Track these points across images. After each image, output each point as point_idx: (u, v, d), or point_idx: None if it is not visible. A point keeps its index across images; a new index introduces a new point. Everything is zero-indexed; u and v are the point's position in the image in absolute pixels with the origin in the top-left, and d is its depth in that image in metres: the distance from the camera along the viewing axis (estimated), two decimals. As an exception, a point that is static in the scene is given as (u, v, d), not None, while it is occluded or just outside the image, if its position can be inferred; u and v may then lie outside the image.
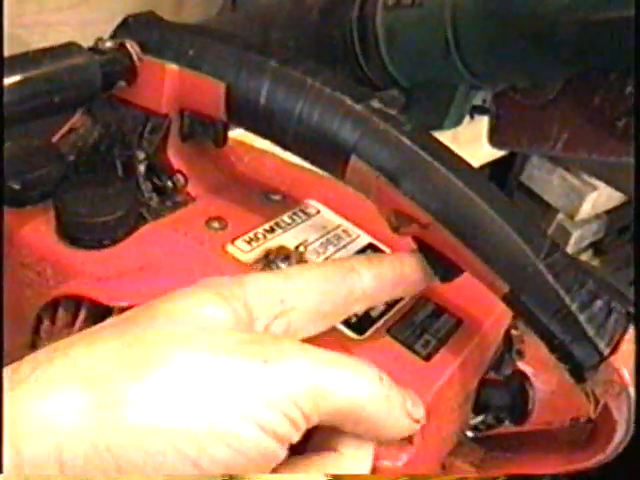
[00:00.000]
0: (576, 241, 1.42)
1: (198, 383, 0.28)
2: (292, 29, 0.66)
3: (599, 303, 0.39)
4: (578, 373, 0.40)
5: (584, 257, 1.46)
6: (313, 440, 0.34)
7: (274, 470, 0.30)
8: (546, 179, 1.36)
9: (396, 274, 0.40)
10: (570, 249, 1.43)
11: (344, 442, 0.33)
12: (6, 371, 0.28)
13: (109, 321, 0.33)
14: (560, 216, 1.40)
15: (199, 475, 0.27)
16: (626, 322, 0.39)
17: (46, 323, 0.44)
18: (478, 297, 0.45)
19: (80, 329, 0.41)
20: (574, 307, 0.39)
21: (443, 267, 0.42)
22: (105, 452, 0.26)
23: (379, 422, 0.32)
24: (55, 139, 0.53)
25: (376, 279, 0.39)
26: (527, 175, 1.37)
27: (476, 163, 1.09)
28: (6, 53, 0.96)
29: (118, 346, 0.29)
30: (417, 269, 0.41)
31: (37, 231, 0.46)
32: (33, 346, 0.45)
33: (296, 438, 0.30)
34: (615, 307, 0.39)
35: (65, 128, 0.53)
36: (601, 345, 0.38)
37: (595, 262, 1.41)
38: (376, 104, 0.42)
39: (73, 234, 0.44)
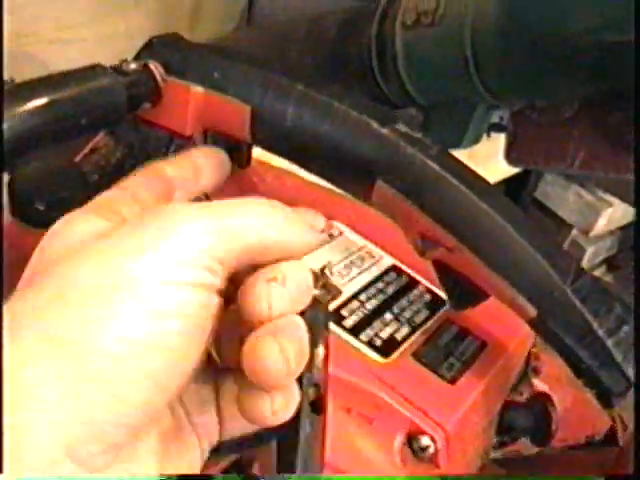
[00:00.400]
0: (590, 257, 1.42)
1: (107, 276, 0.29)
2: (310, 46, 0.66)
3: (626, 328, 0.39)
4: (606, 399, 0.40)
5: (598, 273, 1.45)
6: None
7: None
8: (561, 195, 1.36)
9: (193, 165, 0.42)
10: (584, 265, 1.42)
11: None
12: None
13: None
14: (574, 232, 1.40)
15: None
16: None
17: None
18: (502, 319, 0.45)
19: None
20: (601, 332, 0.38)
21: (468, 292, 0.42)
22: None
23: (287, 244, 0.33)
24: (77, 159, 0.53)
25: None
26: (541, 191, 1.37)
27: (492, 179, 1.08)
28: (24, 71, 0.96)
29: (37, 287, 0.30)
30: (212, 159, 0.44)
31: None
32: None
33: (220, 283, 0.31)
34: (643, 332, 0.39)
35: (87, 148, 0.53)
36: (629, 371, 0.38)
37: (608, 278, 1.40)
38: (402, 127, 0.42)
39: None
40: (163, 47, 0.49)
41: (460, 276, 0.42)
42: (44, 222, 0.48)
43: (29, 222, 0.48)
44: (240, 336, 0.32)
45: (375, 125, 0.42)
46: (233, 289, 0.32)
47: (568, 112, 0.58)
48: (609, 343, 0.38)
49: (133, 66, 0.46)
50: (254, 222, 0.32)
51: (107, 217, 0.35)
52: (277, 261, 0.33)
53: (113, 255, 0.30)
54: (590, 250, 1.39)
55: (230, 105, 0.45)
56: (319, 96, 0.43)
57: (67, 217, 0.36)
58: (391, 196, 0.41)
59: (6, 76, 0.75)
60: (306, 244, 0.35)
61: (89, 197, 0.49)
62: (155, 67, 0.46)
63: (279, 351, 0.30)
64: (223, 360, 0.35)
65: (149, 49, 0.50)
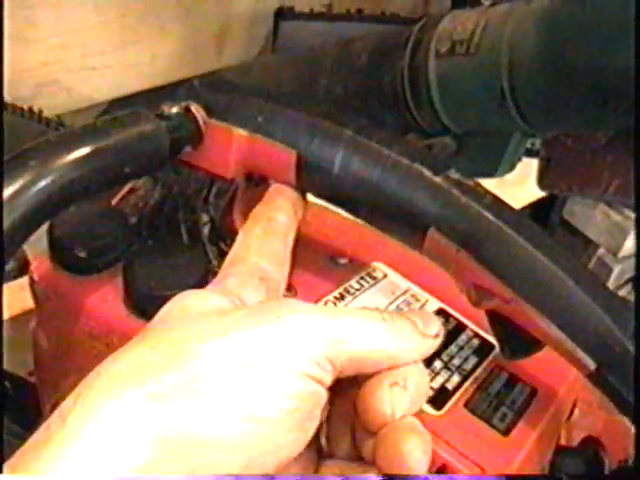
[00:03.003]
0: (617, 276, 1.40)
1: (227, 366, 0.30)
2: (340, 74, 0.65)
3: (690, 382, 0.38)
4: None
5: (623, 292, 1.44)
6: None
7: None
8: (588, 215, 1.35)
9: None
10: (610, 284, 1.41)
11: None
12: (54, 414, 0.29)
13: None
14: (601, 251, 1.38)
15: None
16: None
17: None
18: (550, 363, 0.44)
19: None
20: (666, 389, 0.37)
21: (522, 343, 0.41)
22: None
23: (396, 354, 0.34)
24: (115, 201, 0.52)
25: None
26: (568, 211, 1.36)
27: (521, 203, 1.08)
28: (49, 98, 0.97)
29: (144, 349, 0.31)
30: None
31: (105, 301, 0.45)
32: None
33: (329, 380, 0.32)
34: None
35: (125, 189, 0.53)
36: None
37: (633, 296, 1.39)
38: (454, 175, 0.41)
39: (143, 307, 0.44)
40: (205, 89, 0.48)
41: (515, 326, 0.41)
42: (85, 269, 0.47)
43: (70, 269, 0.47)
44: (352, 429, 0.35)
45: (427, 173, 0.41)
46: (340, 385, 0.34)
47: (603, 139, 0.58)
48: (674, 399, 0.37)
49: (175, 110, 0.45)
50: (355, 335, 0.33)
51: (230, 298, 0.35)
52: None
53: (237, 337, 0.31)
54: (617, 269, 1.38)
55: (275, 150, 0.44)
56: (368, 142, 0.42)
57: (189, 292, 0.36)
58: (444, 246, 0.40)
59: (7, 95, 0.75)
60: (416, 352, 0.35)
61: (129, 240, 0.49)
62: (197, 110, 0.46)
63: (422, 450, 0.32)
64: (330, 447, 0.36)
65: (190, 91, 0.49)
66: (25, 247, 0.49)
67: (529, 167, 0.65)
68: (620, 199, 0.60)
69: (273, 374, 0.30)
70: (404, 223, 0.41)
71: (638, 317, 0.39)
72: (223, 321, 0.32)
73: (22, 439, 0.54)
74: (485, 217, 0.39)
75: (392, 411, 0.33)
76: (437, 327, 0.36)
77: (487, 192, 0.41)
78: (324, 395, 0.32)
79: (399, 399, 0.33)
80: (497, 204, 0.41)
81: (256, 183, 0.47)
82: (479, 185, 0.42)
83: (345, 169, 0.42)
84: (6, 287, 0.64)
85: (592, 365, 0.39)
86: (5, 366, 0.59)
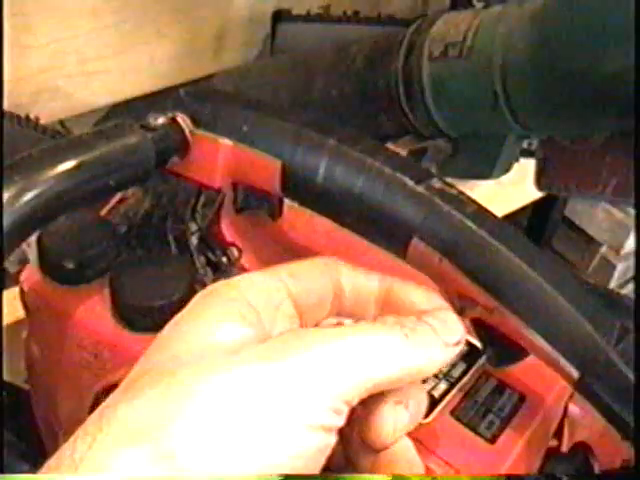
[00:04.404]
0: (620, 274, 1.40)
1: (239, 411, 0.28)
2: (336, 77, 0.66)
3: (674, 390, 0.38)
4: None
5: (626, 290, 1.44)
6: None
7: None
8: (590, 213, 1.35)
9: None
10: (614, 282, 1.41)
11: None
12: (64, 452, 0.28)
13: (139, 367, 0.33)
14: (604, 249, 1.38)
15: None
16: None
17: (104, 407, 0.43)
18: (538, 370, 0.44)
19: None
20: (649, 396, 0.37)
21: (507, 351, 0.41)
22: None
23: (418, 371, 0.32)
24: (105, 210, 0.53)
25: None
26: (570, 209, 1.36)
27: (520, 203, 1.08)
28: (47, 105, 0.97)
29: (156, 395, 0.29)
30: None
31: (93, 312, 0.46)
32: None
33: (343, 423, 0.30)
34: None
35: (115, 199, 0.53)
36: (678, 435, 0.37)
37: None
38: (437, 184, 0.41)
39: (130, 317, 0.44)
40: (191, 99, 0.48)
41: (499, 335, 0.41)
42: (73, 280, 0.48)
43: (58, 280, 0.48)
44: (345, 439, 0.33)
45: (410, 182, 0.41)
46: None
47: (600, 139, 0.58)
48: (657, 407, 0.37)
49: (161, 120, 0.45)
50: (376, 362, 0.31)
51: (241, 314, 0.33)
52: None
53: (244, 378, 0.29)
54: (620, 267, 1.38)
55: (260, 159, 0.44)
56: (352, 152, 0.42)
57: (203, 315, 0.33)
58: (427, 255, 0.40)
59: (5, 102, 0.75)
60: (436, 365, 0.33)
61: (118, 250, 0.49)
62: (183, 120, 0.46)
63: None
64: None
65: (177, 101, 0.49)
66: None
67: (529, 166, 0.65)
68: (618, 199, 0.60)
69: (280, 427, 0.28)
70: (388, 232, 0.42)
71: (637, 316, 0.39)
72: (233, 359, 0.30)
73: (16, 447, 0.55)
74: (468, 226, 0.39)
75: (394, 431, 0.32)
76: (459, 333, 0.35)
77: (470, 200, 0.41)
78: (333, 440, 0.30)
79: (401, 418, 0.32)
80: (480, 213, 0.41)
81: (240, 208, 0.48)
82: (462, 193, 0.42)
83: (329, 178, 0.42)
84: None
85: (576, 374, 0.39)
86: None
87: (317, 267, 0.38)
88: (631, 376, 0.38)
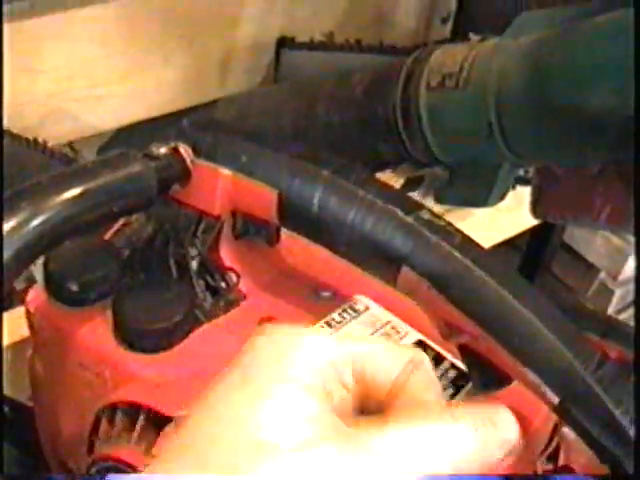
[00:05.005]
0: (618, 299, 1.42)
1: None
2: (337, 104, 0.67)
3: (650, 417, 0.39)
4: (630, 485, 0.40)
5: (625, 315, 1.45)
6: None
7: None
8: (589, 239, 1.36)
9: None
10: (612, 308, 1.42)
11: None
12: None
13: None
14: (602, 275, 1.40)
15: None
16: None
17: (105, 424, 0.45)
18: (525, 395, 0.45)
19: (140, 435, 0.43)
20: (625, 422, 0.39)
21: (493, 377, 0.43)
22: None
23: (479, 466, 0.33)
24: (109, 235, 0.54)
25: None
26: (569, 235, 1.37)
27: (519, 229, 1.09)
28: (55, 127, 0.99)
29: None
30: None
31: (95, 333, 0.47)
32: (90, 447, 0.46)
33: None
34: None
35: (119, 223, 0.55)
36: (653, 460, 0.39)
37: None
38: (426, 215, 0.43)
39: (131, 339, 0.46)
40: (193, 130, 0.50)
41: (485, 361, 0.42)
42: (77, 301, 0.49)
43: (63, 301, 0.49)
44: None
45: (400, 213, 0.42)
46: None
47: (594, 168, 0.59)
48: (632, 433, 0.39)
49: (163, 150, 0.47)
50: (448, 461, 0.31)
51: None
52: None
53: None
54: (618, 293, 1.39)
55: (258, 189, 0.46)
56: (345, 183, 0.44)
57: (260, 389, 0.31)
58: (416, 283, 0.42)
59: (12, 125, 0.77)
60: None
61: (121, 274, 0.51)
62: (185, 150, 0.48)
63: None
64: None
65: (179, 131, 0.51)
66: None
67: (526, 193, 0.66)
68: (612, 227, 0.61)
69: None
70: (379, 260, 0.43)
71: (637, 333, 0.40)
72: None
73: (20, 462, 0.56)
74: (454, 256, 0.41)
75: None
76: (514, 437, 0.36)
77: (457, 231, 0.43)
78: None
79: None
80: (466, 243, 0.42)
81: (238, 235, 0.50)
82: (450, 224, 0.43)
83: (323, 208, 0.44)
84: (7, 315, 0.66)
85: (556, 399, 0.40)
86: (5, 391, 0.61)
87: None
88: (608, 403, 0.39)
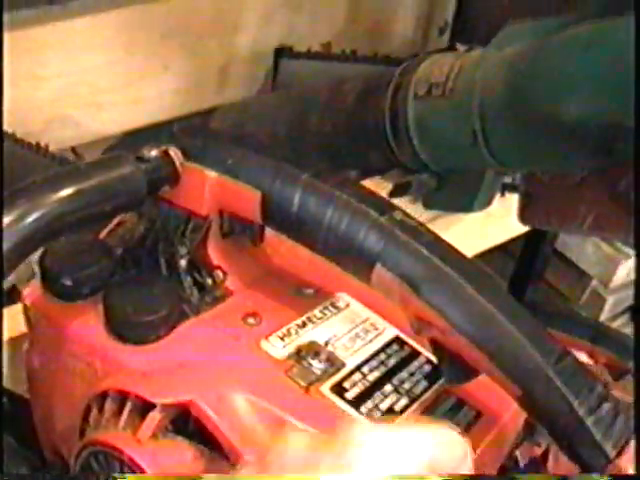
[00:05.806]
0: (611, 307, 1.43)
1: None
2: (329, 113, 0.69)
3: (606, 407, 0.42)
4: (588, 473, 0.42)
5: (618, 323, 1.47)
6: None
7: None
8: (580, 246, 1.38)
9: None
10: (605, 315, 1.44)
11: None
12: None
13: None
14: (594, 282, 1.41)
15: None
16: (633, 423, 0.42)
17: (95, 412, 0.48)
18: (496, 390, 0.47)
19: (126, 421, 0.45)
20: (582, 411, 0.41)
21: (460, 369, 0.45)
22: None
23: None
24: (103, 234, 0.57)
25: None
26: (561, 242, 1.39)
27: (510, 235, 1.12)
28: (57, 133, 1.02)
29: None
30: None
31: (87, 326, 0.50)
32: (82, 434, 0.49)
33: None
34: (621, 410, 0.42)
35: (113, 223, 0.57)
36: (607, 448, 0.41)
37: (629, 328, 1.41)
38: (398, 216, 0.46)
39: (120, 331, 0.48)
40: (183, 134, 0.53)
41: (454, 354, 0.45)
42: (71, 296, 0.52)
43: (57, 296, 0.52)
44: None
45: (374, 214, 0.45)
46: None
47: (578, 175, 0.61)
48: (589, 422, 0.41)
49: (154, 153, 0.50)
50: None
51: None
52: None
53: None
54: (610, 300, 1.41)
55: (242, 190, 0.48)
56: (323, 185, 0.46)
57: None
58: (389, 280, 0.44)
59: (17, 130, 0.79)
60: None
61: (113, 270, 0.53)
62: (174, 153, 0.50)
63: None
64: None
65: (170, 135, 0.54)
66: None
67: (515, 199, 0.68)
68: (596, 233, 0.63)
69: None
70: (353, 259, 0.46)
71: (637, 342, 0.42)
72: None
73: (18, 453, 0.59)
74: (423, 254, 0.44)
75: None
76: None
77: (428, 231, 0.46)
78: None
79: None
80: (436, 242, 0.45)
81: (225, 234, 0.52)
82: (421, 224, 0.46)
83: (303, 208, 0.46)
84: (7, 311, 0.68)
85: (519, 391, 0.43)
86: (4, 384, 0.64)
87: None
88: (567, 394, 0.42)
